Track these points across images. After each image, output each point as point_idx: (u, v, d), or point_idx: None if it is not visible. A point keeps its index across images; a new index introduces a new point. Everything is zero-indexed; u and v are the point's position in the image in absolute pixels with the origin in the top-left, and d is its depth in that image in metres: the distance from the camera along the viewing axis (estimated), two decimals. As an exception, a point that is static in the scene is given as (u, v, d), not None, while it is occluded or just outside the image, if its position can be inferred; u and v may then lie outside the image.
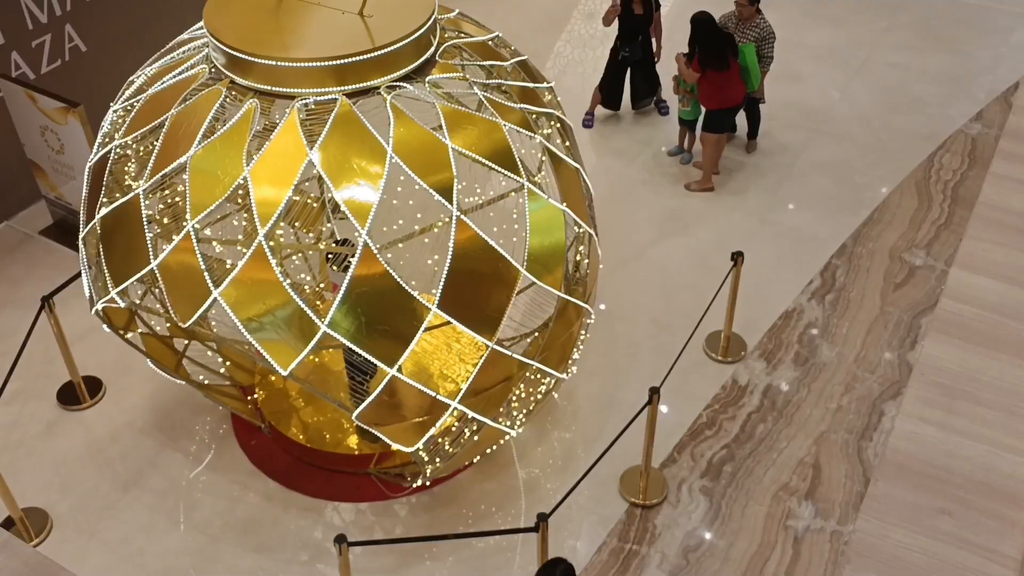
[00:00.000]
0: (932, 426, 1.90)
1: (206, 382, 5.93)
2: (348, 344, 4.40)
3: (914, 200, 8.07)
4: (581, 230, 5.18)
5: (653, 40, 8.66)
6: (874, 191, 8.19)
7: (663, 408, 6.03)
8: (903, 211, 7.93)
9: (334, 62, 4.38)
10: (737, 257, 6.34)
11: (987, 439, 1.92)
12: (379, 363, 4.43)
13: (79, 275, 5.44)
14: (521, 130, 4.82)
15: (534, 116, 5.00)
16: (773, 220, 7.96)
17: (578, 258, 5.30)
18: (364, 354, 4.41)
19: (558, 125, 5.23)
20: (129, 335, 5.50)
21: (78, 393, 6.37)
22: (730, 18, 8.21)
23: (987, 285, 2.11)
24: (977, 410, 1.92)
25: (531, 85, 5.19)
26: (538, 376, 5.07)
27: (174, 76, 4.80)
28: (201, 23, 4.86)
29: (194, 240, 4.41)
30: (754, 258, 7.08)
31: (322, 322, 4.33)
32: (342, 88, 4.46)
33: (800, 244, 7.65)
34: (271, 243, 4.33)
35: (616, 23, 8.53)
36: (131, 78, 5.18)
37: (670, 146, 8.69)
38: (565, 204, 4.91)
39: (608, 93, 8.87)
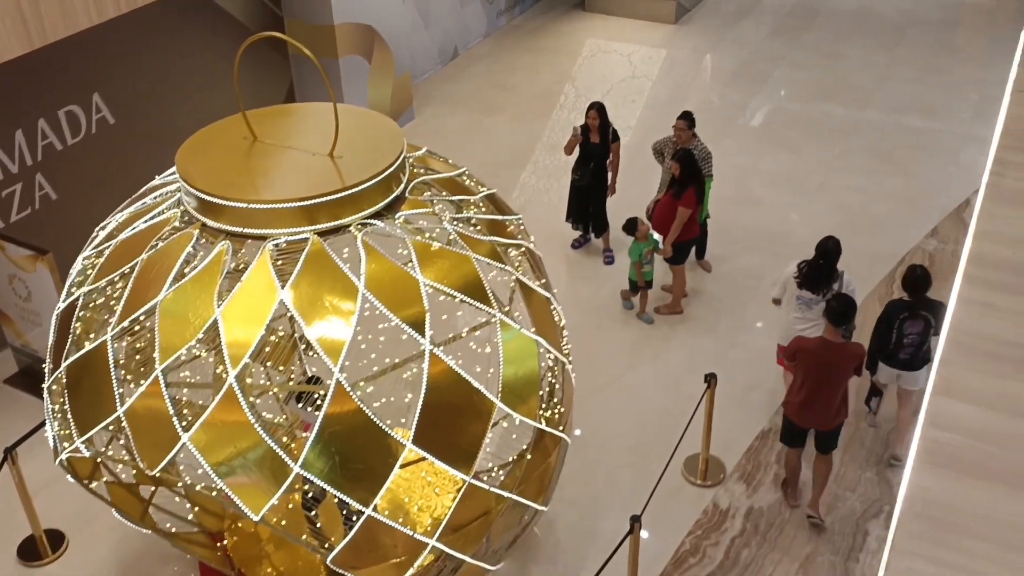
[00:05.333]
0: (926, 562, 1.86)
1: (173, 530, 5.73)
2: (323, 485, 4.29)
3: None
4: (554, 358, 5.18)
5: (610, 174, 8.86)
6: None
7: (645, 535, 5.90)
8: (867, 327, 8.04)
9: (305, 202, 4.45)
10: (710, 379, 6.35)
11: (985, 575, 1.88)
12: (354, 503, 4.32)
13: (43, 425, 5.31)
14: (491, 262, 4.88)
15: (503, 248, 5.07)
16: (742, 341, 8.03)
17: (552, 386, 5.28)
18: (339, 494, 4.30)
19: (528, 255, 5.30)
20: (94, 484, 5.33)
21: (39, 548, 6.11)
22: (667, 143, 8.52)
23: (968, 412, 2.12)
24: (972, 544, 1.89)
25: (499, 217, 5.29)
26: (517, 508, 4.96)
27: (145, 221, 4.84)
28: (173, 168, 4.94)
29: (163, 384, 4.34)
30: (727, 379, 7.10)
31: (295, 463, 4.24)
32: (313, 227, 4.51)
33: (770, 363, 7.70)
34: (242, 384, 4.27)
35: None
36: (101, 225, 5.21)
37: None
38: (537, 333, 4.93)
39: (572, 215, 9.06)
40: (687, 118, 8.34)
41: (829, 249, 6.73)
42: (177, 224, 4.72)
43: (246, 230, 4.50)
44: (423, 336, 4.41)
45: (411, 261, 4.51)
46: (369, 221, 4.63)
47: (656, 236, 7.94)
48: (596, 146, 8.67)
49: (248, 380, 4.44)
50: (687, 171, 7.87)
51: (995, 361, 2.28)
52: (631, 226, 7.93)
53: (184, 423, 4.32)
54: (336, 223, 4.55)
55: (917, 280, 6.42)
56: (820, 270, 6.72)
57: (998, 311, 2.39)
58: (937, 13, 14.70)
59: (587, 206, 8.94)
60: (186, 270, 4.48)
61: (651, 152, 8.80)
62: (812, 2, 15.26)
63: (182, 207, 4.81)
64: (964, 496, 2.03)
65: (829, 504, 6.41)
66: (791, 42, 13.90)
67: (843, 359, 5.99)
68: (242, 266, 4.50)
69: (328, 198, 4.47)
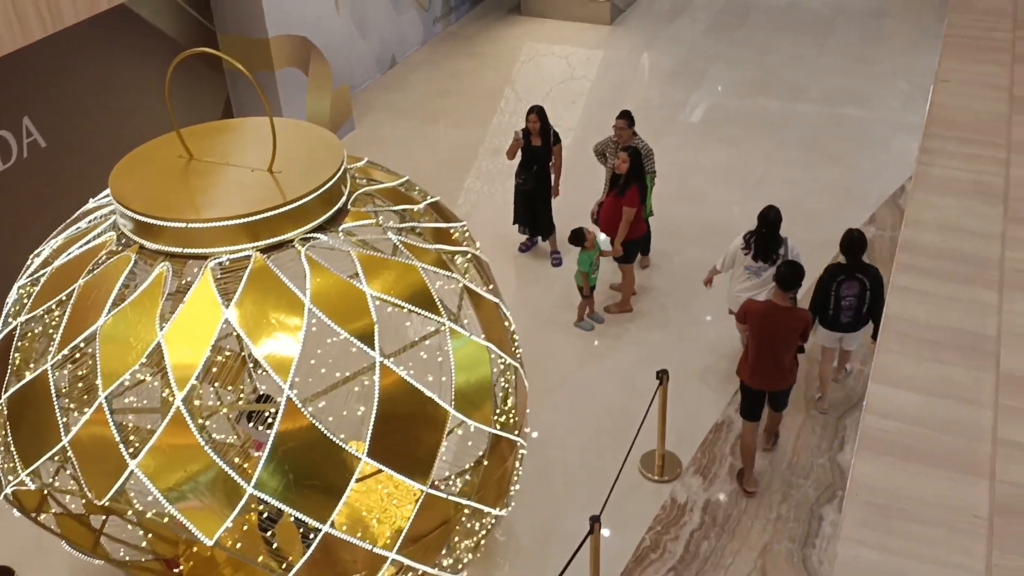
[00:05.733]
0: (873, 550, 1.90)
1: (127, 559, 5.61)
2: (278, 504, 4.24)
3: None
4: (506, 363, 5.18)
5: (553, 176, 8.90)
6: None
7: (605, 533, 5.92)
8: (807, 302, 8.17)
9: (246, 219, 4.39)
10: (662, 375, 6.41)
11: (931, 558, 1.91)
12: (311, 521, 4.27)
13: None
14: (438, 270, 4.87)
15: (450, 255, 5.06)
16: (693, 335, 8.12)
17: (505, 391, 5.28)
18: (295, 513, 4.25)
19: (474, 262, 5.30)
20: (42, 517, 5.20)
21: (-13, 585, 5.93)
22: (607, 144, 8.59)
23: (907, 399, 2.17)
24: (917, 529, 1.93)
25: (444, 225, 5.28)
26: (476, 515, 4.95)
27: (80, 247, 4.73)
28: (107, 191, 4.84)
29: (107, 411, 4.25)
30: (679, 374, 7.17)
31: (248, 483, 4.18)
32: (255, 244, 4.45)
33: (721, 355, 7.80)
34: (189, 407, 4.20)
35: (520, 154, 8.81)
36: (36, 252, 5.09)
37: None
38: (487, 339, 4.93)
39: (519, 219, 9.08)
40: (627, 117, 8.41)
41: (771, 219, 7.09)
42: (114, 247, 4.63)
43: (186, 250, 4.42)
44: (373, 348, 4.38)
45: (357, 273, 4.48)
46: (312, 235, 4.59)
47: (602, 237, 7.97)
48: (538, 149, 8.69)
49: (196, 402, 4.37)
50: (635, 166, 7.93)
51: (931, 347, 2.34)
52: (577, 237, 7.90)
53: (131, 449, 4.23)
54: (278, 239, 4.49)
55: (853, 242, 6.70)
56: (766, 239, 7.09)
57: (931, 297, 2.45)
58: (864, 4, 15.04)
59: (533, 209, 8.96)
60: (125, 294, 4.39)
61: (593, 153, 8.86)
62: (743, -2, 15.52)
63: (118, 230, 4.71)
64: (907, 482, 2.08)
65: (783, 490, 6.52)
66: (725, 39, 14.11)
67: (790, 322, 6.27)
68: (184, 287, 4.43)
69: (269, 214, 4.42)
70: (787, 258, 6.95)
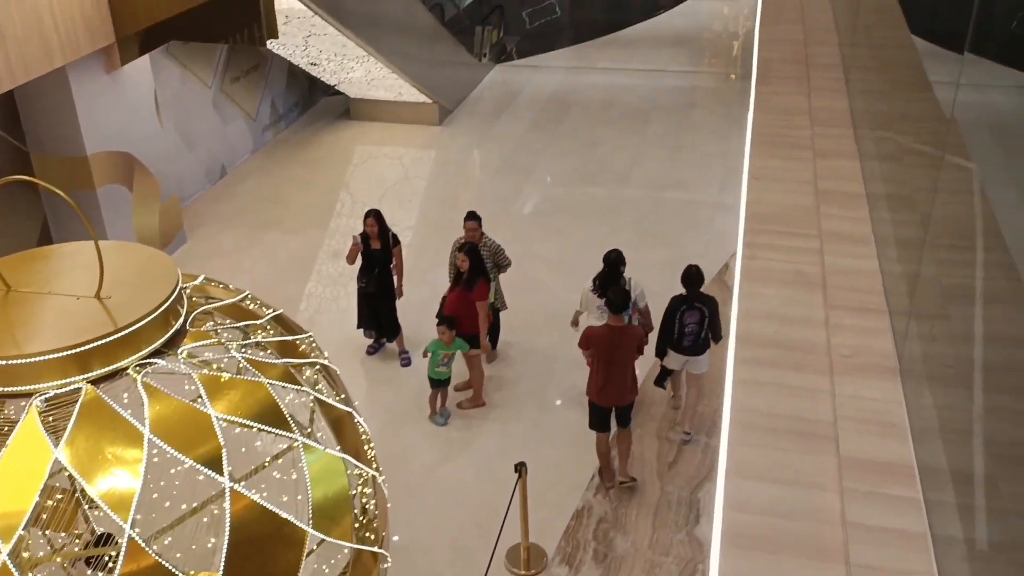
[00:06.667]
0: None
1: None
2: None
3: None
4: (363, 473, 5.06)
5: (395, 277, 8.92)
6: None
7: (479, 640, 5.79)
8: (660, 391, 8.47)
9: (73, 350, 4.14)
10: (520, 467, 6.42)
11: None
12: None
13: None
14: (286, 384, 4.74)
15: (297, 368, 4.95)
16: (546, 422, 8.21)
17: (364, 501, 5.14)
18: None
19: (323, 372, 5.20)
20: None
21: None
22: (459, 243, 8.77)
23: (759, 489, 2.26)
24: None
25: (289, 338, 5.16)
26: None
27: None
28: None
29: (-78, 575, 3.83)
30: (536, 463, 7.21)
31: (90, 636, 3.84)
32: (87, 375, 4.19)
33: (575, 441, 7.91)
34: (17, 560, 3.85)
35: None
36: None
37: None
38: (343, 450, 4.80)
39: (364, 323, 9.01)
40: (475, 218, 8.61)
41: (612, 259, 8.01)
42: (-76, 391, 4.25)
43: (7, 388, 4.12)
44: (221, 473, 4.18)
45: (200, 396, 4.30)
46: (149, 360, 4.38)
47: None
48: (378, 251, 8.72)
49: (25, 553, 4.01)
50: (475, 260, 8.08)
51: (775, 436, 2.46)
52: (451, 322, 7.93)
53: (-48, 615, 3.81)
54: (112, 368, 4.25)
55: (692, 276, 7.65)
56: (610, 278, 7.90)
57: (769, 387, 2.60)
58: (674, 98, 16.14)
59: (377, 312, 8.92)
60: (-60, 442, 4.02)
61: (432, 249, 8.96)
62: (562, 96, 16.32)
63: (-72, 371, 4.34)
64: (769, 574, 2.15)
65: (647, 570, 6.60)
66: (550, 133, 14.75)
67: (627, 340, 7.16)
68: (6, 428, 4.10)
69: (99, 343, 4.19)
70: (630, 296, 7.71)
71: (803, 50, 4.92)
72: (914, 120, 3.81)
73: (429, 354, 8.03)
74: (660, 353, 7.84)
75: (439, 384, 8.18)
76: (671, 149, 14.07)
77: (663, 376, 8.12)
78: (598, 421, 7.33)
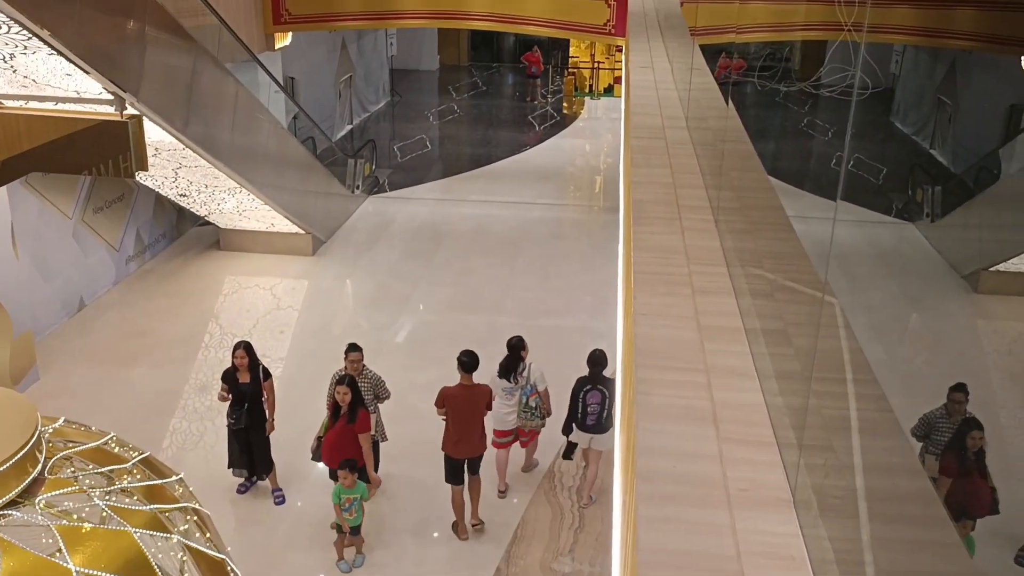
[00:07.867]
0: None
1: None
2: None
3: (547, 510, 8.61)
4: (237, 625, 4.75)
5: (267, 411, 8.65)
6: (513, 511, 8.62)
7: None
8: (541, 523, 8.42)
9: (-85, 504, 3.79)
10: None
11: None
12: None
13: None
14: (153, 532, 4.45)
15: (166, 513, 4.67)
16: (432, 557, 7.98)
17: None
18: None
19: (195, 517, 4.92)
20: None
21: None
22: (338, 375, 8.65)
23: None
24: None
25: (158, 481, 4.89)
26: None
27: None
28: None
29: None
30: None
31: None
32: (-71, 532, 3.83)
33: (459, 571, 7.69)
34: None
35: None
36: None
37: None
38: (215, 602, 4.51)
39: (234, 462, 8.64)
40: (357, 349, 8.53)
41: (512, 344, 8.73)
42: None
43: None
44: (81, 635, 3.84)
45: (60, 549, 3.98)
46: (3, 512, 4.04)
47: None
48: (247, 386, 8.45)
49: None
50: (355, 393, 7.94)
51: (686, 571, 2.48)
52: (353, 466, 7.65)
53: None
54: (-41, 522, 3.91)
55: (596, 358, 8.38)
56: (509, 361, 8.65)
57: (673, 523, 2.63)
58: (543, 228, 16.68)
59: (249, 448, 8.57)
60: None
61: (306, 381, 8.79)
62: (434, 225, 16.60)
63: None
64: None
65: None
66: (424, 262, 14.90)
67: (477, 397, 8.09)
68: None
69: (-54, 495, 3.85)
70: (529, 379, 8.60)
71: (673, 192, 5.23)
72: (777, 257, 4.08)
73: (335, 504, 7.72)
74: (566, 430, 8.56)
75: (348, 531, 7.79)
76: (541, 278, 14.42)
77: (570, 450, 8.78)
78: (452, 473, 8.09)
